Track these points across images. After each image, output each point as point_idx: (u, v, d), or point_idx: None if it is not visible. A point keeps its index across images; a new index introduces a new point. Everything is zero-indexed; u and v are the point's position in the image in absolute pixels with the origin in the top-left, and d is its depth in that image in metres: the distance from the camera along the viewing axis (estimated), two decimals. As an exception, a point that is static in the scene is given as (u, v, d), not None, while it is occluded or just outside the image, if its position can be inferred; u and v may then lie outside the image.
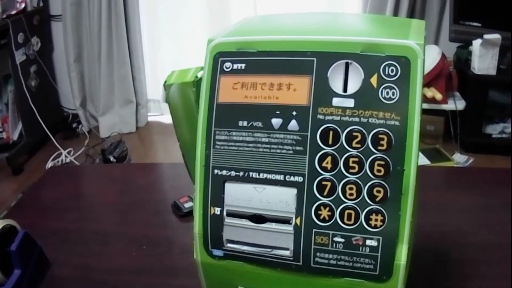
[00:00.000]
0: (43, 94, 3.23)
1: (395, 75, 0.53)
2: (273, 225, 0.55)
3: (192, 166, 0.62)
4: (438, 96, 2.81)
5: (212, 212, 0.57)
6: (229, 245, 0.57)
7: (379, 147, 0.53)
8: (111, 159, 2.92)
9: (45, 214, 1.10)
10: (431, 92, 2.81)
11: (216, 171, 0.57)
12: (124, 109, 3.54)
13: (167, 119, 3.62)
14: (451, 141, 2.97)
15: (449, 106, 2.89)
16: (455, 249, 0.88)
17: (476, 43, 2.75)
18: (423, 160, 2.69)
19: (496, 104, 2.89)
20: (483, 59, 2.76)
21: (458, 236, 0.92)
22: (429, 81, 2.78)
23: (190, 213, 0.99)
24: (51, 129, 3.20)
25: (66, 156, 3.12)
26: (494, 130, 2.94)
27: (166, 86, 0.67)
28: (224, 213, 0.57)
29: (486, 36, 2.71)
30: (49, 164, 3.05)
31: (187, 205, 1.02)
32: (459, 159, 2.84)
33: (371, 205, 0.52)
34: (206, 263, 0.59)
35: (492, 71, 2.78)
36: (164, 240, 0.97)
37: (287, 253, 0.55)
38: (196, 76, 0.63)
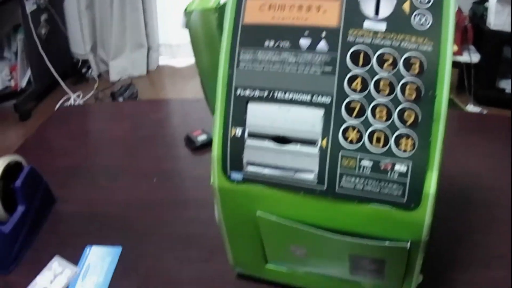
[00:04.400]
0: (53, 40, 3.17)
1: (428, 2, 0.50)
2: (298, 147, 0.53)
3: (211, 92, 0.59)
4: (454, 47, 2.76)
5: (233, 133, 0.54)
6: (250, 167, 0.55)
7: (411, 71, 0.50)
8: (121, 101, 2.89)
9: (53, 152, 1.08)
10: (446, 43, 2.76)
11: (239, 90, 0.54)
12: (135, 53, 3.50)
13: (178, 63, 3.58)
14: (464, 93, 2.93)
15: (464, 58, 2.85)
16: (476, 192, 0.86)
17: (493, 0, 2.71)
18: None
19: (510, 60, 2.84)
20: (499, 15, 2.72)
21: (479, 179, 0.90)
22: (444, 33, 2.73)
23: (203, 146, 0.97)
24: (60, 75, 3.16)
25: (75, 100, 3.09)
26: (508, 85, 2.90)
27: (187, 13, 0.64)
28: (246, 134, 0.54)
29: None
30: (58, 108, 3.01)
31: (200, 138, 0.99)
32: (472, 110, 2.82)
33: (401, 128, 0.50)
34: (224, 188, 0.57)
35: (508, 28, 2.73)
36: (175, 173, 0.95)
37: (311, 176, 0.53)
38: (219, 3, 0.61)
